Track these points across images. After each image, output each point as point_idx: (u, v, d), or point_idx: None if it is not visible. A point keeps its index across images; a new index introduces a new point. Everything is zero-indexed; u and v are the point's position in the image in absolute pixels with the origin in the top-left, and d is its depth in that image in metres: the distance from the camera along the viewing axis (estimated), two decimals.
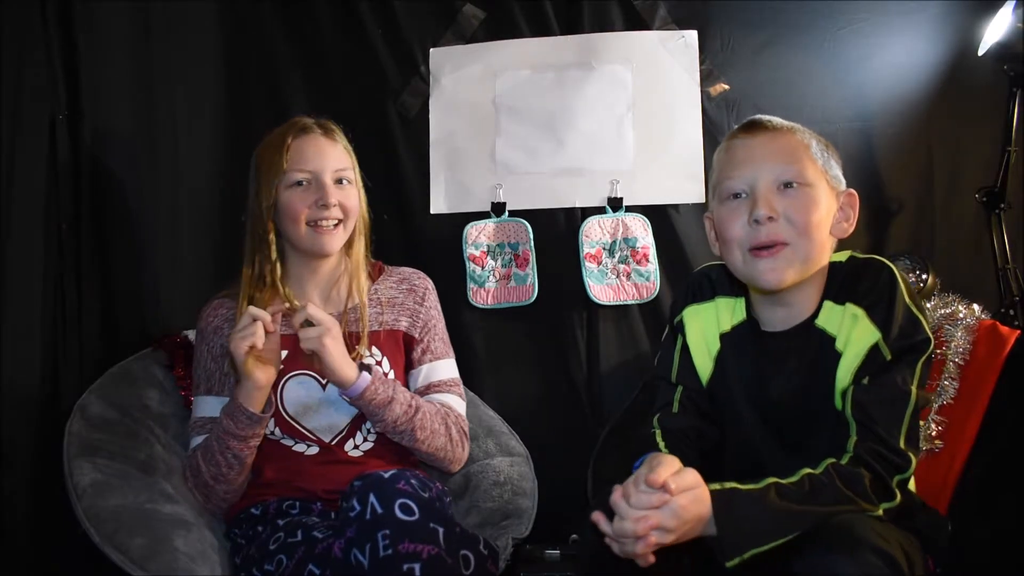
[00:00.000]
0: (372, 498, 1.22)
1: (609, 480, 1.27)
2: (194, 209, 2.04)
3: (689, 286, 1.37)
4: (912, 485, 1.27)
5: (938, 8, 1.93)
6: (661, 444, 1.28)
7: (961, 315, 1.59)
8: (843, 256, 1.25)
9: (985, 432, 1.48)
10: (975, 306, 1.61)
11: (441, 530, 1.23)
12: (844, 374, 1.17)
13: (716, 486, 1.07)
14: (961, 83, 1.93)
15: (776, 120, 1.26)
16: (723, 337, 1.30)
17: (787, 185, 1.18)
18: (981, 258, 1.85)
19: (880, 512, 1.11)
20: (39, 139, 1.82)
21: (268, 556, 1.34)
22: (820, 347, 1.20)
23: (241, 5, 2.09)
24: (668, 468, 1.05)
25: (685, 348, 1.33)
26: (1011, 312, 1.71)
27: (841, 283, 1.21)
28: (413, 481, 1.28)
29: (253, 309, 1.43)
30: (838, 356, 1.18)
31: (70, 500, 1.40)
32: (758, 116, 1.28)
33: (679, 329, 1.34)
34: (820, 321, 1.21)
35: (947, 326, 1.59)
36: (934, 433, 1.53)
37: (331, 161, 1.55)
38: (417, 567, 1.17)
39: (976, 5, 1.86)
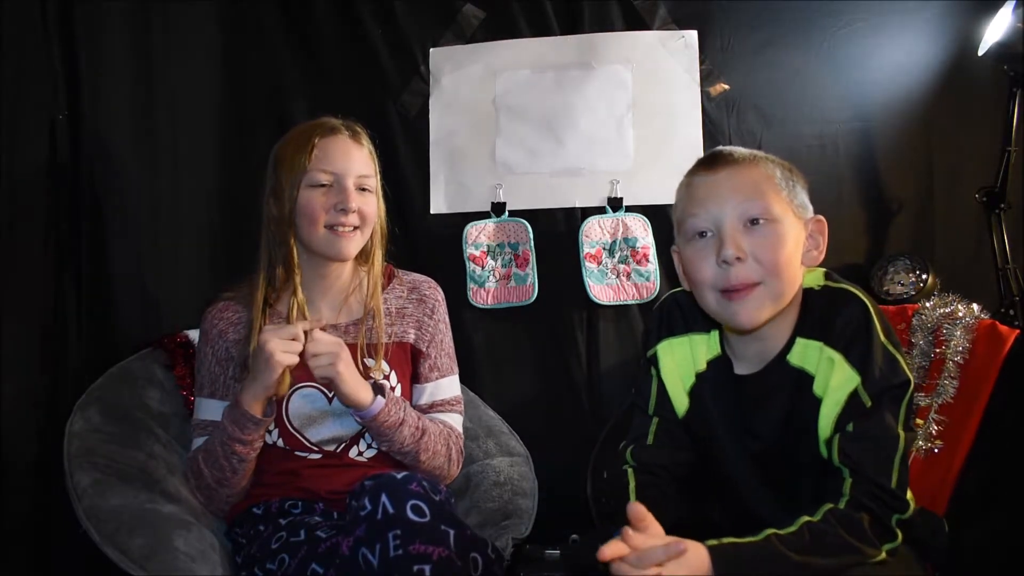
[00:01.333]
0: (384, 498, 1.22)
1: (609, 480, 1.27)
2: (194, 209, 2.04)
3: (661, 317, 1.34)
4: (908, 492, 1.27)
5: (938, 8, 1.93)
6: (632, 484, 1.27)
7: (960, 314, 1.59)
8: (816, 281, 1.22)
9: (984, 431, 1.48)
10: (974, 305, 1.61)
11: (452, 532, 1.22)
12: (825, 423, 1.15)
13: (714, 542, 1.05)
14: (961, 83, 1.93)
15: (738, 151, 1.22)
16: (699, 375, 1.28)
17: (753, 222, 1.15)
18: (981, 258, 1.85)
19: (883, 555, 1.10)
20: (39, 139, 1.82)
21: (270, 555, 1.34)
22: (798, 387, 1.17)
23: (241, 5, 2.09)
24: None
25: (661, 381, 1.32)
26: (1011, 312, 1.71)
27: (815, 317, 1.18)
28: (425, 483, 1.28)
29: (299, 330, 1.40)
30: (818, 401, 1.16)
31: (70, 500, 1.39)
32: (719, 148, 1.24)
33: (653, 362, 1.32)
34: (794, 358, 1.19)
35: (946, 326, 1.59)
36: (934, 432, 1.53)
37: (356, 165, 1.51)
38: (427, 568, 1.16)
39: (976, 5, 1.86)
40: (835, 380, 1.14)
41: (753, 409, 1.22)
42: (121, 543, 1.32)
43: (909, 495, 1.15)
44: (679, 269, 1.26)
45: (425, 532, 1.19)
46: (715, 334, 1.28)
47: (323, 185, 1.49)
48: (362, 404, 1.43)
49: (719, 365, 1.27)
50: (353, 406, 1.44)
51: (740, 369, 1.25)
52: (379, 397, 1.45)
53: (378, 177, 1.56)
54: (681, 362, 1.30)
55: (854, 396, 1.13)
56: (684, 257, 1.22)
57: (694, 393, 1.28)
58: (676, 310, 1.32)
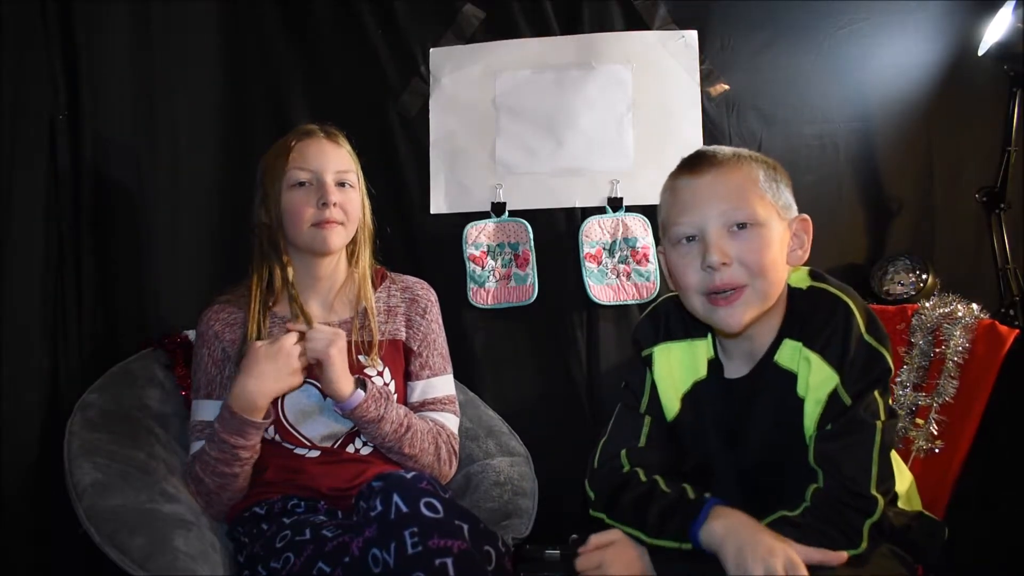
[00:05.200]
0: (396, 497, 1.22)
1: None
2: (194, 209, 2.04)
3: (658, 320, 1.32)
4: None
5: (938, 8, 1.93)
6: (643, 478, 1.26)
7: (960, 315, 1.59)
8: (802, 281, 1.22)
9: (984, 431, 1.48)
10: (974, 305, 1.61)
11: (466, 526, 1.23)
12: (809, 423, 1.15)
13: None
14: (961, 83, 1.93)
15: (721, 152, 1.20)
16: (696, 383, 1.27)
17: (740, 226, 1.15)
18: (981, 258, 1.85)
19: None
20: (39, 139, 1.82)
21: (275, 554, 1.34)
22: (783, 389, 1.17)
23: (241, 6, 2.09)
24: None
25: (654, 382, 1.30)
26: (1011, 312, 1.71)
27: (798, 319, 1.19)
28: (434, 482, 1.30)
29: (291, 343, 1.46)
30: (800, 402, 1.16)
31: (70, 500, 1.40)
32: (703, 149, 1.23)
33: (648, 364, 1.31)
34: (781, 359, 1.19)
35: (946, 325, 1.59)
36: (934, 432, 1.53)
37: (332, 162, 1.54)
38: (449, 561, 1.17)
39: (976, 5, 1.86)
40: (814, 379, 1.14)
41: (744, 414, 1.22)
42: (121, 543, 1.32)
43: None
44: (665, 270, 1.26)
45: (442, 527, 1.20)
46: (711, 338, 1.27)
47: (303, 183, 1.52)
48: (343, 394, 1.45)
49: (713, 370, 1.26)
50: (334, 395, 1.46)
51: (731, 373, 1.25)
52: (359, 391, 1.47)
53: (360, 175, 1.59)
54: (679, 367, 1.29)
55: (834, 396, 1.12)
56: (670, 261, 1.22)
57: (687, 399, 1.27)
58: (676, 313, 1.30)
